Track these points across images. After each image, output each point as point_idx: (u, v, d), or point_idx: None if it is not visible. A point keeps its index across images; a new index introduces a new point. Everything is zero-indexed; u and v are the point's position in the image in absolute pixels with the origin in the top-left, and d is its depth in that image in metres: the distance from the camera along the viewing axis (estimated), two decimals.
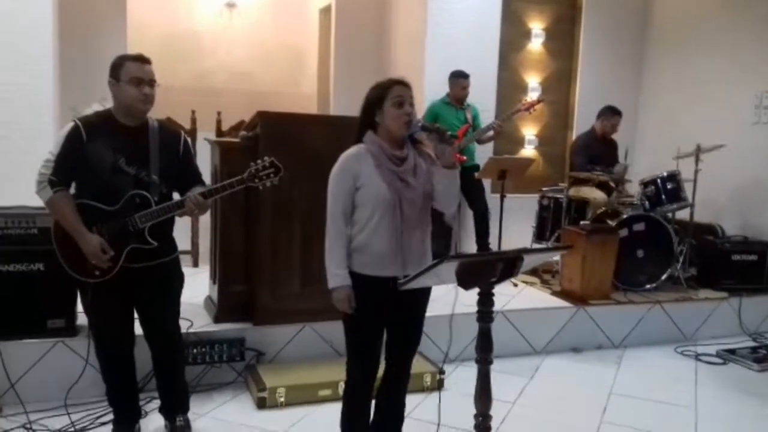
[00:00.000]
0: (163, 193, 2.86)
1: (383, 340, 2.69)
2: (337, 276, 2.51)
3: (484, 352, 2.12)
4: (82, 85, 5.21)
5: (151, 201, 2.79)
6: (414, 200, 2.49)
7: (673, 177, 5.31)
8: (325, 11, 7.88)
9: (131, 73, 2.74)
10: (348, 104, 6.65)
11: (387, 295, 2.46)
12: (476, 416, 2.17)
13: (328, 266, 2.53)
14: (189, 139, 3.08)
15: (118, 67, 2.78)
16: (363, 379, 2.67)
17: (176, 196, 2.95)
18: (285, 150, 3.67)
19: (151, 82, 2.79)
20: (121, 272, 2.79)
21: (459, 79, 5.64)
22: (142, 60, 2.80)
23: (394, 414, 2.80)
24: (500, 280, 2.07)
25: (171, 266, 2.99)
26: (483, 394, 2.14)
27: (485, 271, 2.02)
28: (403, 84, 2.52)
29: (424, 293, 2.66)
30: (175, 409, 3.13)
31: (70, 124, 2.85)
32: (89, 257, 2.73)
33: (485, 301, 2.08)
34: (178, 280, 3.06)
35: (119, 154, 2.77)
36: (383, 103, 2.48)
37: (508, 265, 2.01)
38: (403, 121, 2.46)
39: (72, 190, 2.84)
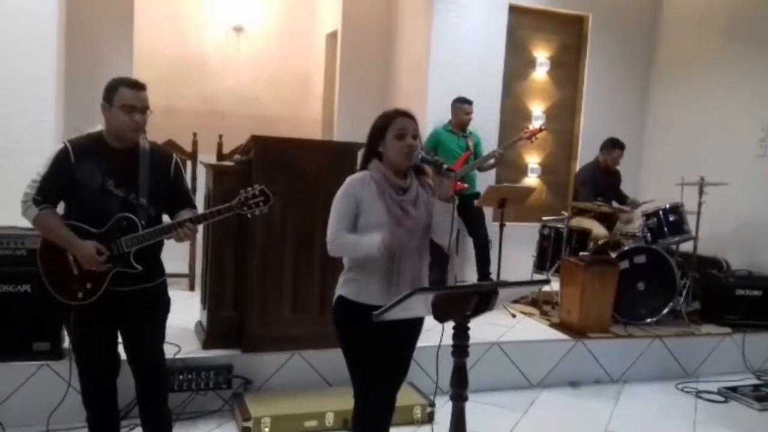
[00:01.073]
0: (152, 216, 2.83)
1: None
2: (370, 240, 2.40)
3: (459, 387, 2.06)
4: (88, 107, 5.21)
5: (138, 224, 2.76)
6: (413, 230, 2.48)
7: (675, 209, 5.24)
8: (332, 37, 7.93)
9: (124, 99, 2.73)
10: (352, 129, 6.66)
11: (383, 323, 2.34)
12: None
13: (361, 248, 2.44)
14: (180, 162, 3.05)
15: (111, 90, 2.76)
16: (373, 415, 2.59)
17: (166, 218, 2.92)
18: (278, 174, 3.68)
19: (144, 110, 2.77)
20: (106, 295, 2.75)
21: (462, 105, 5.63)
22: (137, 86, 2.77)
23: None
24: (475, 313, 2.01)
25: (157, 291, 2.94)
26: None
27: (459, 304, 1.97)
28: (406, 116, 2.54)
29: (418, 324, 2.61)
30: None
31: (60, 146, 2.85)
32: (86, 263, 2.68)
33: (460, 335, 2.02)
34: (163, 306, 3.00)
35: (108, 176, 2.75)
36: (386, 134, 2.51)
37: (483, 298, 1.96)
38: (403, 152, 2.47)
39: (60, 211, 2.83)
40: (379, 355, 2.53)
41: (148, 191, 2.80)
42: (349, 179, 2.58)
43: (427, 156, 2.51)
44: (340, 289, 2.59)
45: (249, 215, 2.88)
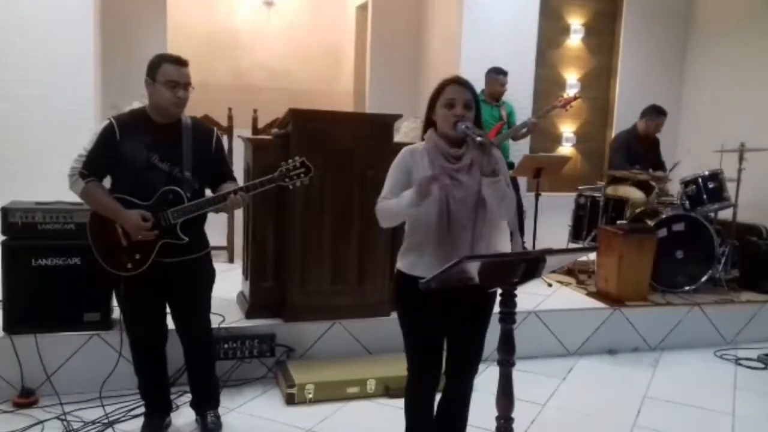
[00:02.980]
0: (196, 189, 2.90)
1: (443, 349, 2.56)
2: (406, 197, 2.32)
3: (506, 353, 2.09)
4: (122, 83, 5.32)
5: (183, 197, 2.83)
6: (463, 199, 2.38)
7: (715, 176, 5.16)
8: (362, 8, 7.89)
9: (167, 75, 2.78)
10: (384, 102, 6.66)
11: (437, 298, 2.30)
12: (498, 419, 2.14)
13: (398, 205, 2.36)
14: (221, 137, 3.11)
15: (155, 66, 2.82)
16: (419, 388, 2.57)
17: (208, 192, 2.99)
18: (316, 147, 3.71)
19: (186, 86, 2.82)
20: (153, 267, 2.84)
21: (498, 75, 5.59)
22: (179, 62, 2.83)
23: None
24: (523, 281, 2.03)
25: (202, 262, 3.03)
26: (505, 397, 2.11)
27: (507, 271, 1.98)
28: (458, 83, 2.42)
29: (486, 303, 2.50)
30: (205, 404, 3.17)
31: (105, 122, 2.92)
32: (133, 232, 2.77)
33: (507, 302, 2.05)
34: (209, 276, 3.09)
35: (152, 151, 2.82)
36: (436, 103, 2.44)
37: (531, 265, 1.97)
38: (450, 122, 2.38)
39: (107, 186, 2.91)
40: (435, 333, 2.49)
41: (192, 165, 2.87)
42: (402, 150, 2.52)
43: (469, 129, 2.33)
44: (398, 262, 2.53)
45: (291, 186, 2.94)
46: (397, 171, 2.48)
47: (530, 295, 4.65)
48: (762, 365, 4.46)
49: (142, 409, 3.15)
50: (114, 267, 2.86)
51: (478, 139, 2.28)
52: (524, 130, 5.59)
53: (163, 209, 2.81)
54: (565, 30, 6.75)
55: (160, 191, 2.81)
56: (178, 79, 2.79)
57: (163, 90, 2.78)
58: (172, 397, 3.24)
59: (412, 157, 2.47)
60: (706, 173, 5.16)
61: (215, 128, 3.11)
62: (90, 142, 2.92)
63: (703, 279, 5.05)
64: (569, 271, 5.49)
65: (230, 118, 5.57)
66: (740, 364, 4.47)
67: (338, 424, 3.36)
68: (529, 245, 5.49)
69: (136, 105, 3.48)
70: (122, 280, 2.87)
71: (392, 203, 2.41)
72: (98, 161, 2.86)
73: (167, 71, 2.79)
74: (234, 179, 3.06)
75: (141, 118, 2.89)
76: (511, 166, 5.54)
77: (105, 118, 3.01)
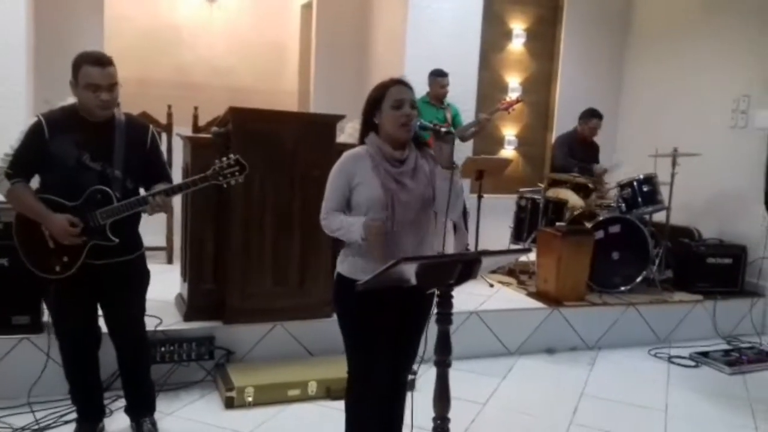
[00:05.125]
0: (128, 188, 2.81)
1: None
2: (355, 225, 2.34)
3: (443, 354, 2.10)
4: (57, 78, 5.08)
5: (112, 197, 2.74)
6: (408, 202, 2.39)
7: (649, 180, 5.32)
8: (307, 7, 7.84)
9: (88, 78, 2.66)
10: (328, 101, 6.63)
11: (380, 300, 2.30)
12: (435, 419, 2.15)
13: (345, 234, 2.37)
14: (157, 134, 3.01)
15: (76, 68, 2.70)
16: (369, 395, 2.53)
17: (142, 191, 2.90)
18: (257, 147, 3.66)
19: (111, 86, 2.70)
20: (84, 269, 2.76)
21: (437, 77, 5.62)
22: (100, 63, 2.69)
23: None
24: (459, 282, 2.04)
25: (135, 263, 2.95)
26: (442, 397, 2.12)
27: (444, 272, 1.99)
28: (403, 84, 2.42)
29: (427, 299, 2.47)
30: (140, 410, 3.09)
31: (33, 120, 2.81)
32: (59, 237, 2.68)
33: (444, 303, 2.06)
34: (142, 277, 3.02)
35: (83, 150, 2.73)
36: (382, 104, 2.40)
37: (467, 267, 1.99)
38: (400, 122, 2.36)
39: (36, 186, 2.80)
40: (378, 334, 2.45)
41: (123, 163, 2.78)
42: (344, 155, 2.48)
43: (425, 123, 2.38)
44: (339, 266, 2.50)
45: (225, 185, 2.88)
46: (339, 177, 2.44)
47: (471, 296, 4.70)
48: (693, 363, 4.61)
49: (74, 415, 3.05)
50: (42, 270, 2.76)
51: (443, 130, 2.36)
52: (473, 129, 5.62)
53: (91, 209, 2.72)
54: (508, 34, 6.84)
55: (88, 191, 2.72)
56: (100, 82, 2.67)
57: (85, 94, 2.68)
58: (106, 402, 3.15)
59: (354, 162, 2.43)
60: (641, 177, 5.32)
61: (151, 125, 3.01)
62: (17, 140, 2.80)
63: (638, 279, 5.20)
64: (510, 272, 5.58)
65: (170, 115, 5.45)
66: (673, 362, 4.61)
67: (279, 427, 3.32)
68: (471, 246, 5.55)
69: (71, 100, 3.36)
70: (52, 283, 2.77)
71: (338, 226, 2.39)
72: (25, 161, 2.75)
73: (88, 74, 2.66)
74: (169, 179, 2.96)
75: (72, 115, 2.78)
76: None
77: (36, 114, 2.90)
